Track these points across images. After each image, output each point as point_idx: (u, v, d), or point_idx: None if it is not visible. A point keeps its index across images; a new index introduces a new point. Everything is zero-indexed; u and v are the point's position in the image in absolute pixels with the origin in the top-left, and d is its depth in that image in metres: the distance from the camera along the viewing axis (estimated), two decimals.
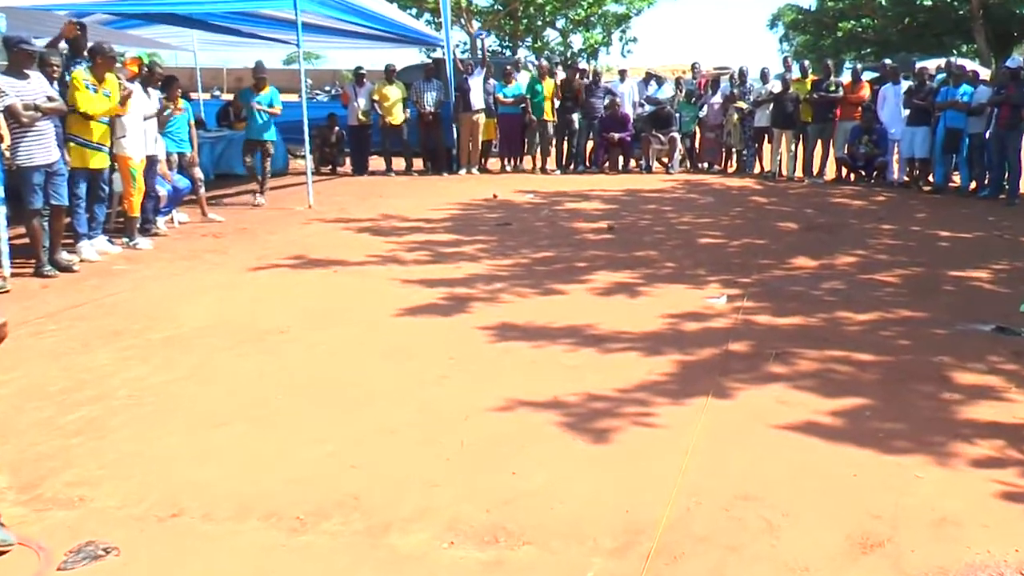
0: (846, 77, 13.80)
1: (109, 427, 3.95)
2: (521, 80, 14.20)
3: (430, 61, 16.14)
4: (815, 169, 13.32)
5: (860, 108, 12.70)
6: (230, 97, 18.98)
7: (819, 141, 13.20)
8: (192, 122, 9.46)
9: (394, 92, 13.60)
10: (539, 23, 27.63)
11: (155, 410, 4.16)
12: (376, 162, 14.16)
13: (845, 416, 4.08)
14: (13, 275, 6.69)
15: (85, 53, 7.54)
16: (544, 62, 15.66)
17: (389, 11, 13.53)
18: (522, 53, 25.93)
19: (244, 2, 11.25)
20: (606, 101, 13.99)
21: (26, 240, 6.96)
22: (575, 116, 14.09)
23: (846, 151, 12.76)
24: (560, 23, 28.06)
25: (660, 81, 15.29)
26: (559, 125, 14.30)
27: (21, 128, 6.59)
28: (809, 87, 12.95)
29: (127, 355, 4.97)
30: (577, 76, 14.44)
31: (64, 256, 7.11)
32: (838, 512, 3.16)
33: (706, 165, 14.47)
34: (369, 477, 3.45)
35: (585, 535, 3.01)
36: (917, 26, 26.82)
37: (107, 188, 7.77)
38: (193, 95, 14.04)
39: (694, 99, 14.34)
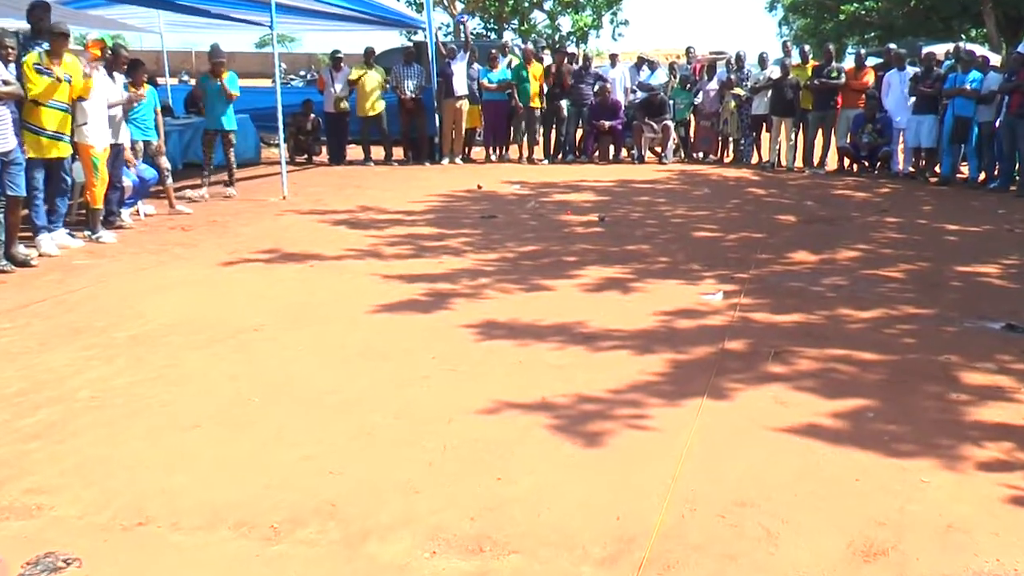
0: (849, 63, 13.90)
1: (70, 431, 3.92)
2: (506, 65, 14.19)
3: (411, 45, 16.13)
4: (816, 159, 13.41)
5: (863, 95, 12.79)
6: None
7: (820, 130, 13.29)
8: (158, 109, 9.41)
9: (373, 77, 13.58)
10: (526, 4, 27.62)
11: (120, 413, 4.13)
12: (354, 151, 14.15)
13: (847, 418, 4.10)
14: None
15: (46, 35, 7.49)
16: (531, 46, 15.66)
17: None
18: (508, 36, 25.95)
19: None
20: (596, 87, 14.02)
21: None
22: (563, 103, 14.10)
23: (848, 140, 12.83)
24: (548, 4, 28.06)
25: (653, 66, 15.31)
26: (547, 112, 14.33)
27: None
28: (810, 73, 13.02)
29: (89, 355, 4.94)
30: (566, 61, 14.43)
31: (21, 250, 7.05)
32: (840, 519, 3.18)
33: (701, 155, 14.54)
34: (347, 483, 3.44)
35: (574, 543, 3.01)
36: (924, 9, 26.91)
37: (68, 178, 7.72)
38: (160, 80, 13.97)
39: (688, 85, 14.40)
